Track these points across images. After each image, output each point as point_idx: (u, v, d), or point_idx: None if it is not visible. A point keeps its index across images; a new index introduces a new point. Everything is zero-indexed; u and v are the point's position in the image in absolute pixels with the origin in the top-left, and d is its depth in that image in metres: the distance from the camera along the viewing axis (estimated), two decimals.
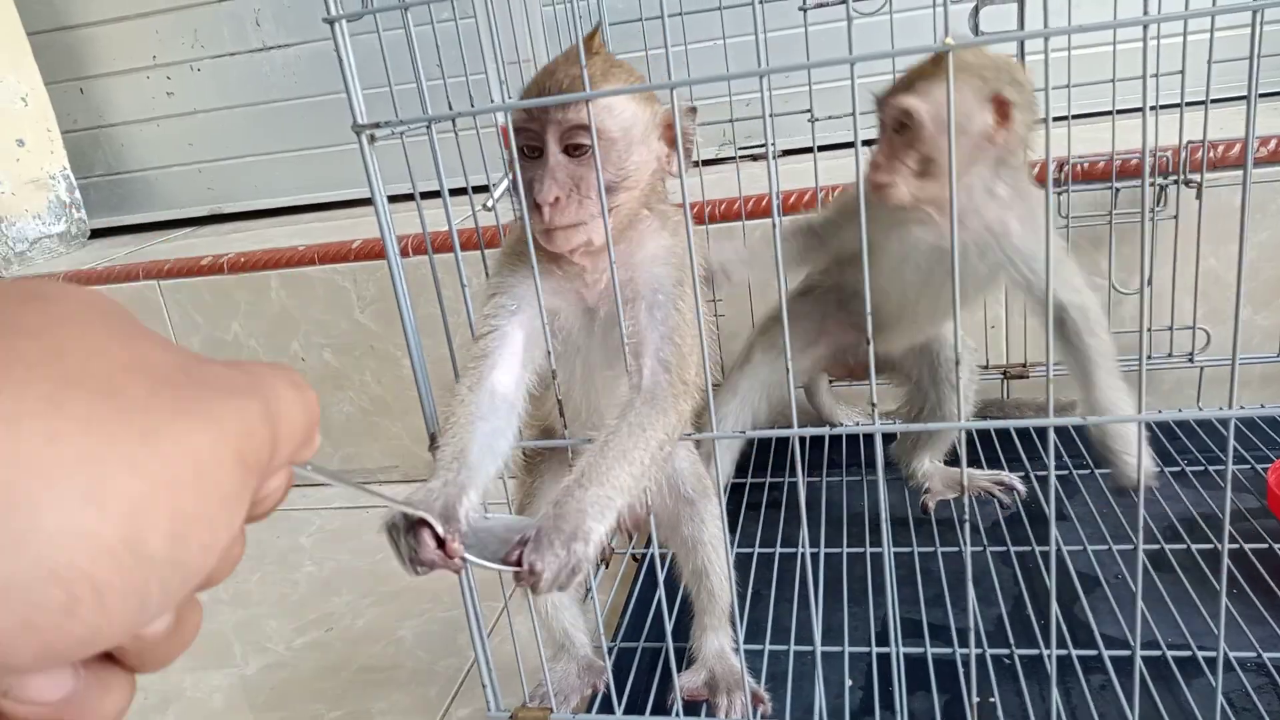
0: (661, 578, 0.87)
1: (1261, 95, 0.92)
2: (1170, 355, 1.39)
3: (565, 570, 0.64)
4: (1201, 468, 1.27)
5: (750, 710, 0.90)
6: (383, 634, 1.26)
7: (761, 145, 1.78)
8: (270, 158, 2.24)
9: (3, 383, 0.22)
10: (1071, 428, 1.38)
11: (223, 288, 1.73)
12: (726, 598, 0.96)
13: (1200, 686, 0.89)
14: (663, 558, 1.05)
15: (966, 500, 0.81)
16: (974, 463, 1.31)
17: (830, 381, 1.42)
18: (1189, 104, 1.24)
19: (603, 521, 0.68)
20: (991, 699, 0.92)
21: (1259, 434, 1.33)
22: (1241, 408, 1.32)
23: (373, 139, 0.77)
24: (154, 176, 2.34)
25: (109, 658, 0.27)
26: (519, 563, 0.63)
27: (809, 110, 1.30)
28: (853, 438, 1.47)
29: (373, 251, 1.63)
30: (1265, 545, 1.07)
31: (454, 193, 0.82)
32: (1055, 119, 1.05)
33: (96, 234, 2.35)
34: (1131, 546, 1.11)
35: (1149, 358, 1.37)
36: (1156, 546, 1.10)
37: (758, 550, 1.23)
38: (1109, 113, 1.26)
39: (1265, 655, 0.92)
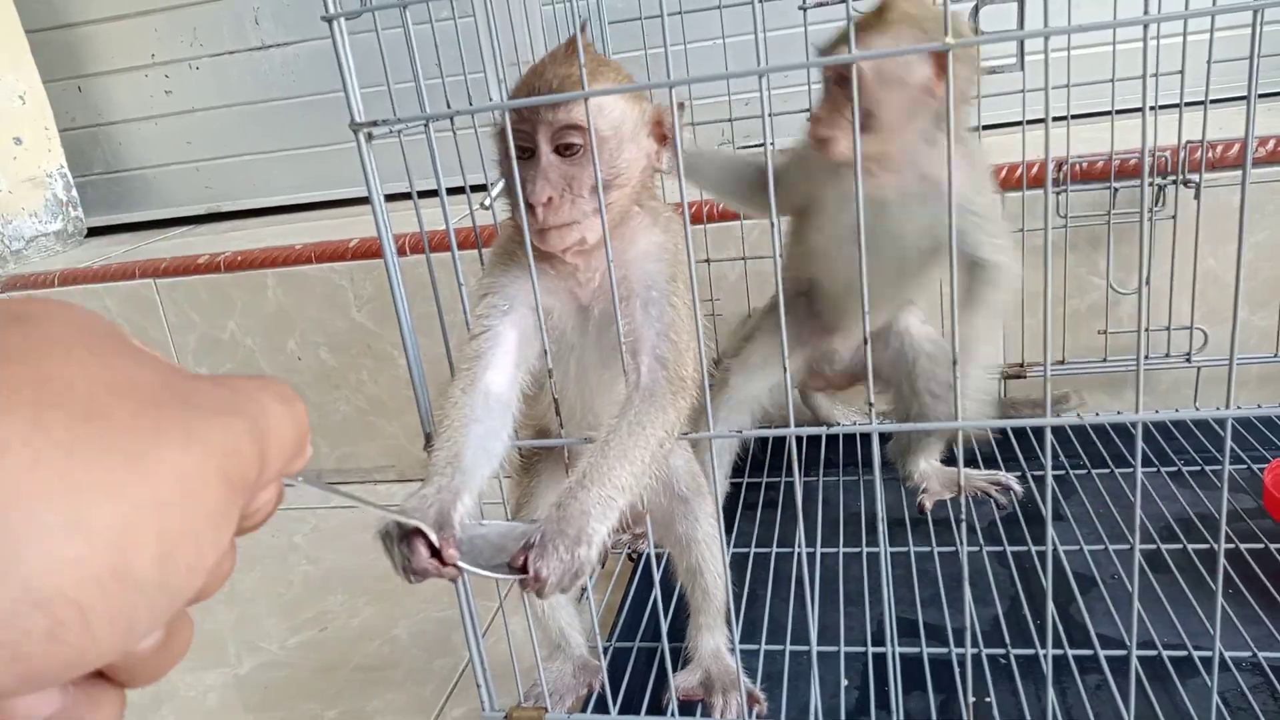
0: (657, 577, 0.87)
1: (1261, 96, 0.91)
2: (1168, 355, 1.39)
3: (569, 574, 0.64)
4: (1198, 468, 1.27)
5: (746, 710, 0.90)
6: (378, 633, 1.26)
7: (760, 144, 1.78)
8: (268, 156, 2.23)
9: None
10: (1069, 428, 1.38)
11: (219, 286, 1.72)
12: (721, 596, 0.96)
13: (1196, 686, 0.89)
14: (658, 558, 1.05)
15: (963, 500, 0.81)
16: (971, 463, 1.31)
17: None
18: (1188, 104, 1.24)
19: (605, 523, 0.68)
20: (987, 699, 0.92)
21: (1255, 434, 1.33)
22: (1238, 408, 1.32)
23: (370, 137, 0.77)
24: (152, 175, 2.34)
25: (98, 673, 0.27)
26: (524, 568, 0.63)
27: (808, 110, 1.30)
28: (849, 437, 1.47)
29: (370, 250, 1.63)
30: (1261, 546, 1.07)
31: (451, 192, 0.82)
32: (1055, 119, 1.05)
33: (93, 232, 2.35)
34: (1128, 547, 1.11)
35: (1146, 358, 1.37)
36: (1153, 547, 1.10)
37: (754, 550, 1.23)
38: (1108, 113, 1.26)
39: (1261, 655, 0.92)
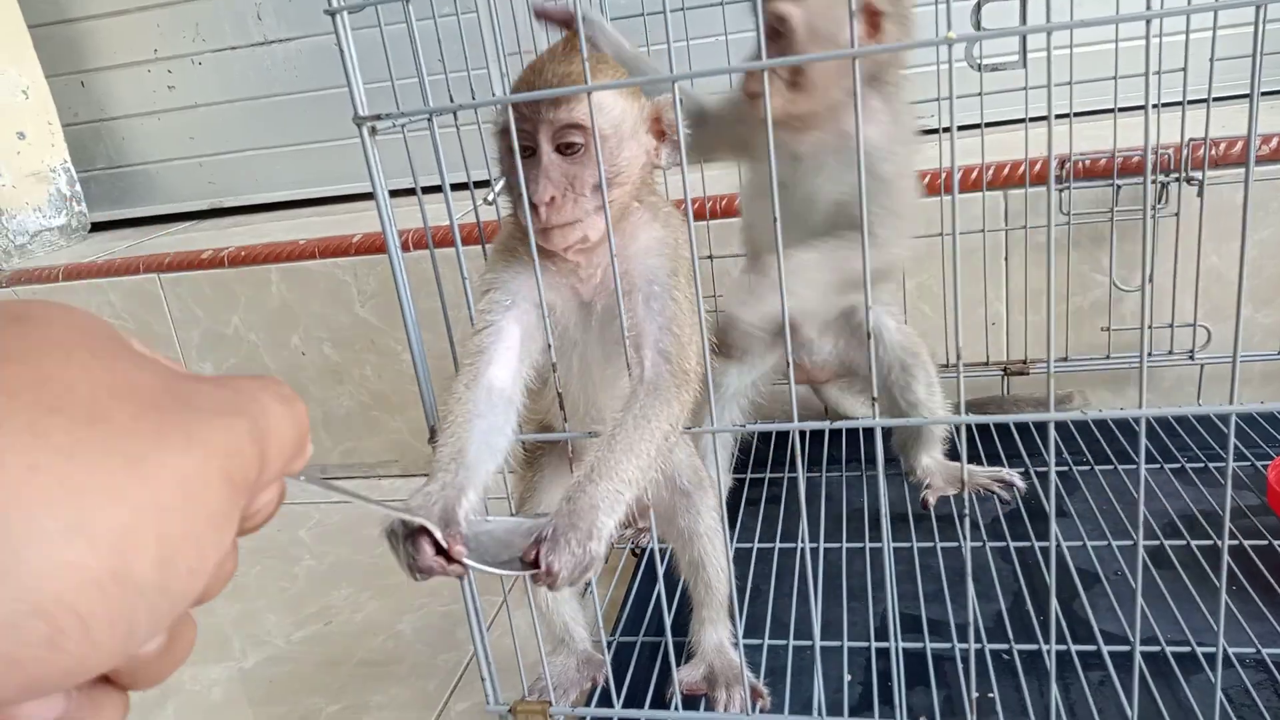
0: (661, 572, 0.87)
1: (1264, 93, 0.92)
2: (1171, 352, 1.39)
3: (580, 568, 0.64)
4: (1202, 464, 1.27)
5: (749, 704, 0.90)
6: (382, 628, 1.26)
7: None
8: (271, 152, 2.23)
9: None
10: (1072, 423, 1.38)
11: (223, 281, 1.73)
12: (724, 590, 0.96)
13: (1199, 683, 0.89)
14: (661, 552, 1.05)
15: (966, 496, 0.81)
16: (974, 459, 1.31)
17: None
18: (1191, 101, 1.24)
19: (613, 516, 0.68)
20: (990, 694, 0.92)
21: (1259, 431, 1.33)
22: (1242, 404, 1.32)
23: (374, 131, 0.77)
24: (155, 170, 2.34)
25: (101, 677, 0.27)
26: (536, 562, 0.63)
27: None
28: (853, 432, 1.47)
29: (373, 245, 1.63)
30: (1265, 542, 1.08)
31: (455, 187, 0.82)
32: (1057, 116, 1.05)
33: (97, 227, 2.35)
34: (1131, 543, 1.11)
35: (1150, 355, 1.37)
36: (1156, 543, 1.10)
37: (757, 545, 1.23)
38: (1111, 110, 1.26)
39: (1264, 651, 0.92)
